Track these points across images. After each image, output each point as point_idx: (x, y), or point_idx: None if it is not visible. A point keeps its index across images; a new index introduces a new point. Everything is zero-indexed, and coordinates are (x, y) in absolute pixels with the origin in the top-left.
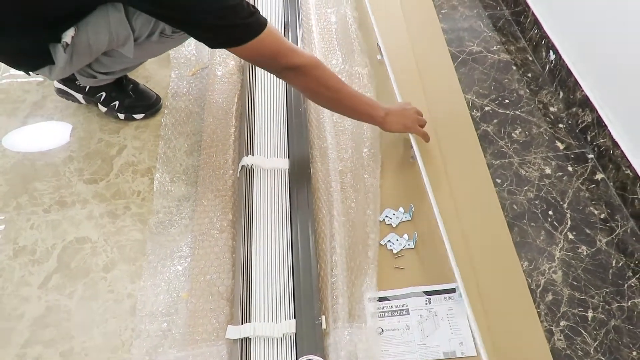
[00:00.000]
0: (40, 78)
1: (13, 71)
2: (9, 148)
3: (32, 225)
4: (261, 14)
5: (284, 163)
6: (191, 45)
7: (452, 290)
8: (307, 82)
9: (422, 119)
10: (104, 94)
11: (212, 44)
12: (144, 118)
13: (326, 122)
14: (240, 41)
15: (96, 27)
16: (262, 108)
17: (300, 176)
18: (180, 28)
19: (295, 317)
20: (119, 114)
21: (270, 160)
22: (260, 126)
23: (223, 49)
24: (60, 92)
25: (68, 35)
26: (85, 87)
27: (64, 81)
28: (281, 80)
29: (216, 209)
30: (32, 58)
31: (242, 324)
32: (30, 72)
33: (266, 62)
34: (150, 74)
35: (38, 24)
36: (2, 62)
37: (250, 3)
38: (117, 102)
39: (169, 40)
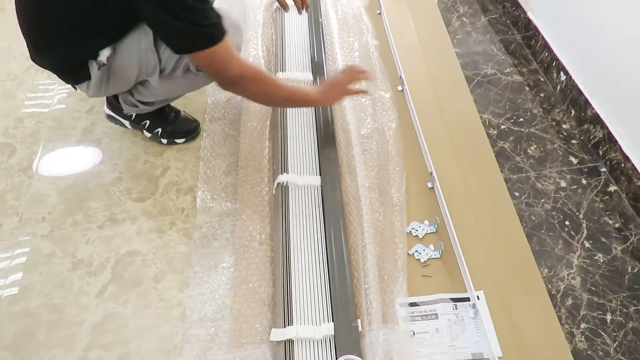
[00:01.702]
0: (88, 106)
1: (64, 101)
2: (63, 171)
3: (87, 240)
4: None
5: (316, 180)
6: None
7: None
8: (249, 92)
9: (352, 76)
10: (148, 121)
11: (178, 49)
12: (184, 142)
13: (354, 142)
14: (200, 47)
15: (129, 50)
16: (293, 129)
17: (332, 192)
18: (153, 28)
19: (333, 321)
20: (162, 140)
21: (303, 177)
22: (292, 146)
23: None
24: (110, 118)
25: (104, 55)
26: (132, 115)
27: (113, 109)
28: None
29: (255, 223)
30: (73, 71)
31: (284, 327)
32: (76, 87)
33: (214, 72)
34: (189, 100)
35: (77, 36)
36: (52, 72)
37: (217, 13)
38: (160, 129)
39: (193, 77)
